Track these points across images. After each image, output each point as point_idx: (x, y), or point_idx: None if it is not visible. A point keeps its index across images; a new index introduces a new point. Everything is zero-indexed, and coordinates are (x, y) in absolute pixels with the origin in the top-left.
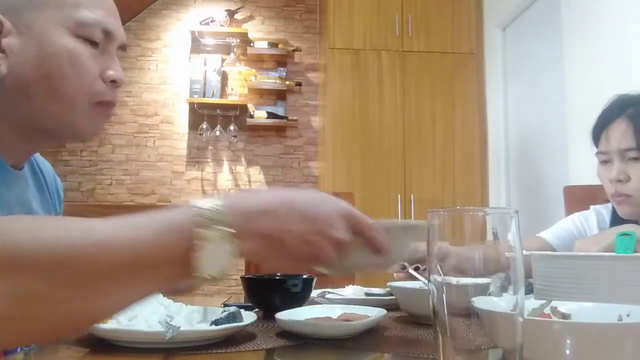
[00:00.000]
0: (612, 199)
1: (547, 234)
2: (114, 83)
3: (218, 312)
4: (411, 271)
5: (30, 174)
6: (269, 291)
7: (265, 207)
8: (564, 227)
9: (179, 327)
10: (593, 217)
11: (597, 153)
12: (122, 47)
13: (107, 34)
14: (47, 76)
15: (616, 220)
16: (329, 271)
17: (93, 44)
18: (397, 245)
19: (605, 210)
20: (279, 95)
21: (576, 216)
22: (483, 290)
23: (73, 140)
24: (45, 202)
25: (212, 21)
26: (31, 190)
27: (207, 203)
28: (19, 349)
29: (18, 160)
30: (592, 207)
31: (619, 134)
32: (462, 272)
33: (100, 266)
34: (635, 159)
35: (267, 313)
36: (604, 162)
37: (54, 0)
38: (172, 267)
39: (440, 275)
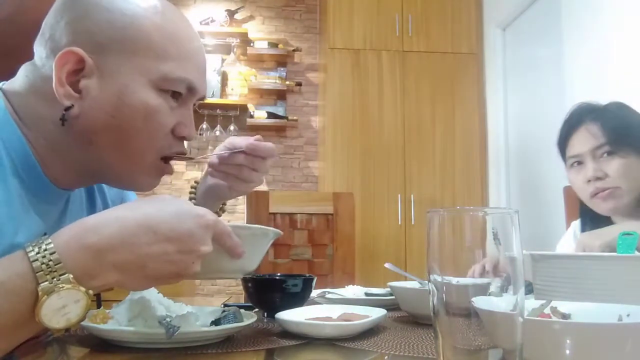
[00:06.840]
0: (593, 200)
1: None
2: (183, 138)
3: (218, 312)
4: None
5: (84, 189)
6: (269, 291)
7: (118, 235)
8: (562, 243)
9: (179, 327)
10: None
11: (568, 158)
12: (201, 99)
13: (191, 90)
14: (118, 127)
15: (585, 227)
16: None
17: (175, 94)
18: (253, 250)
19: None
20: (279, 95)
21: (570, 232)
22: (483, 290)
23: (126, 189)
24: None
25: (212, 21)
26: (82, 205)
27: (39, 252)
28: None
29: (66, 187)
30: (572, 223)
31: (587, 137)
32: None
33: None
34: (608, 153)
35: (267, 313)
36: (577, 164)
37: (143, 49)
38: (18, 328)
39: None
